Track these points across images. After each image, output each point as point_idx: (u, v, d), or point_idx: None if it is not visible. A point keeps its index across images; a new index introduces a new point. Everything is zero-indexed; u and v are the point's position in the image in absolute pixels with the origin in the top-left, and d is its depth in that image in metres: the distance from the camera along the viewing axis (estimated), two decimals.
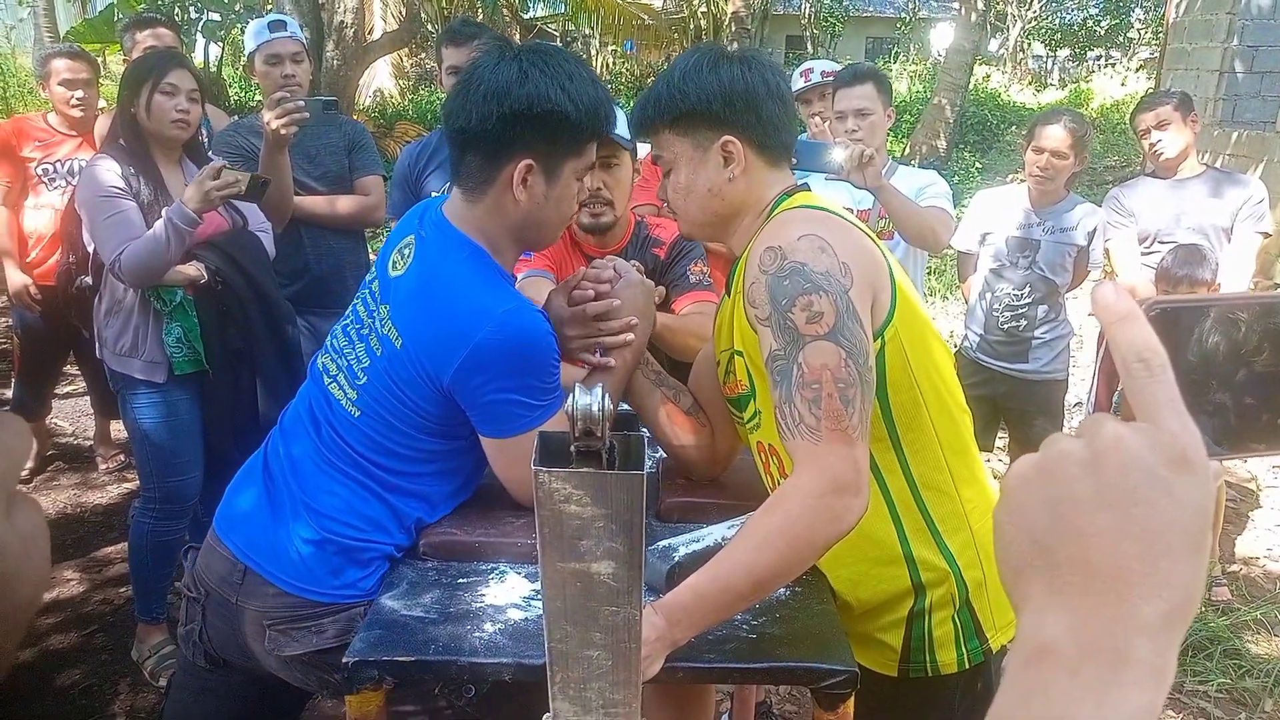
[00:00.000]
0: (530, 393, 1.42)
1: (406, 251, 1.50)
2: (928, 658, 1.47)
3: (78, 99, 3.38)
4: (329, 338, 1.61)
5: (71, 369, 4.28)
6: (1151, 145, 3.18)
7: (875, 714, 1.43)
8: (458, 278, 1.43)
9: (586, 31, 19.38)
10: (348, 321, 1.57)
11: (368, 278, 1.58)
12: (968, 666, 1.47)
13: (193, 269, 2.52)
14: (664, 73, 1.46)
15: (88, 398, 4.27)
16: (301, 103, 2.65)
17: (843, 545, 1.36)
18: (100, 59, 10.11)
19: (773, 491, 1.35)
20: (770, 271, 1.30)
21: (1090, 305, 0.49)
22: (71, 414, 4.69)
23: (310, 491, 1.51)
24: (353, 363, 1.51)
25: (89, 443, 4.32)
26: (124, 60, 3.54)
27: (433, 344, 1.40)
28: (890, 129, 3.18)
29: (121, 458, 4.10)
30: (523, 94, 1.39)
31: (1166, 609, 0.42)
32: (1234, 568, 3.50)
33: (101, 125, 3.38)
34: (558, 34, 19.72)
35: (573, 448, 1.06)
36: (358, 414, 1.49)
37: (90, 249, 2.59)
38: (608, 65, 19.45)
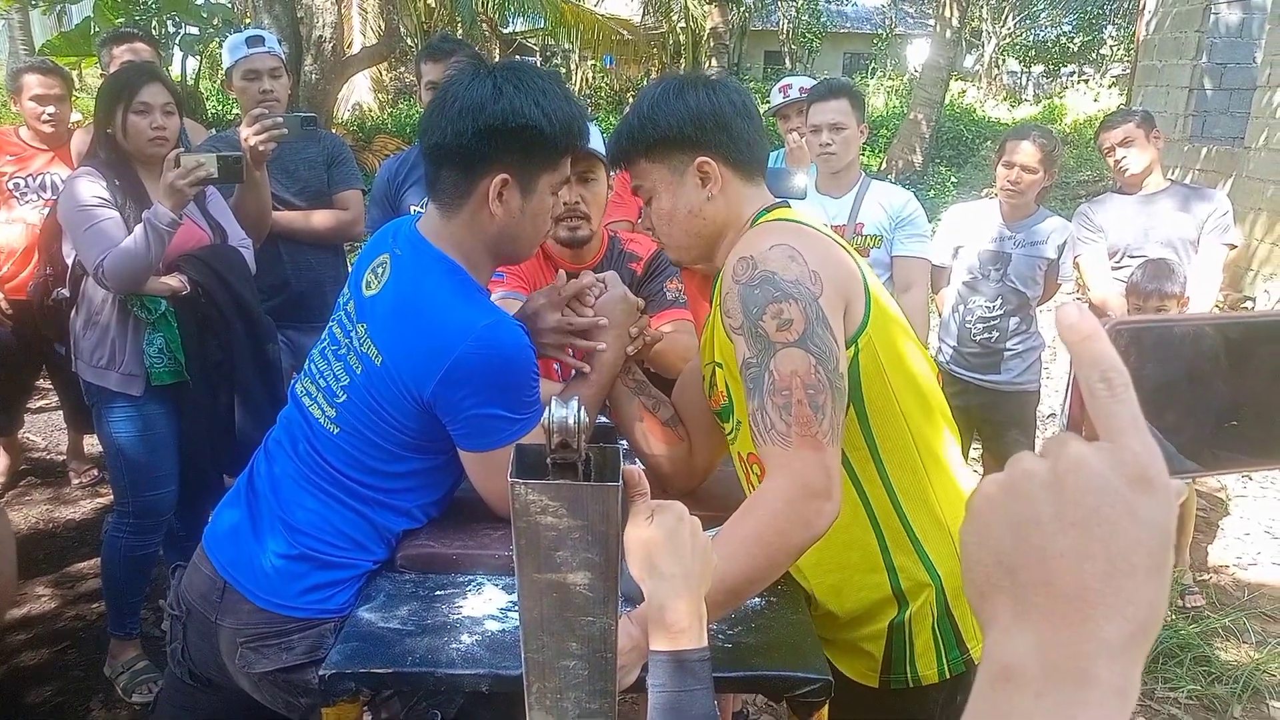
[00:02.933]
0: (510, 406, 1.43)
1: (381, 270, 1.51)
2: (909, 669, 1.47)
3: (49, 114, 3.35)
4: (307, 361, 1.61)
5: (44, 383, 4.24)
6: (1117, 163, 3.24)
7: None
8: (435, 293, 1.43)
9: (566, 46, 19.44)
10: (324, 344, 1.58)
11: (342, 298, 1.59)
12: (949, 677, 1.48)
13: (175, 280, 2.51)
14: (633, 105, 1.49)
15: (60, 412, 4.23)
16: (280, 119, 2.65)
17: (825, 552, 1.37)
18: (76, 73, 10.04)
19: None
20: (742, 281, 1.32)
21: (1055, 327, 0.50)
22: (44, 428, 4.64)
23: (288, 508, 1.51)
24: (331, 382, 1.51)
25: (62, 457, 4.28)
26: (101, 75, 3.53)
27: (413, 360, 1.41)
28: (867, 144, 3.27)
29: (94, 472, 4.06)
30: (497, 110, 1.40)
31: (1130, 629, 0.42)
32: (1205, 576, 3.55)
33: (78, 140, 3.36)
34: (537, 48, 19.78)
35: (549, 460, 1.07)
36: (336, 431, 1.49)
37: (70, 261, 2.58)
38: (587, 80, 19.52)
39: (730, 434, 1.54)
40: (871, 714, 1.50)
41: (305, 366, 1.61)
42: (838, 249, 1.41)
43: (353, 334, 1.50)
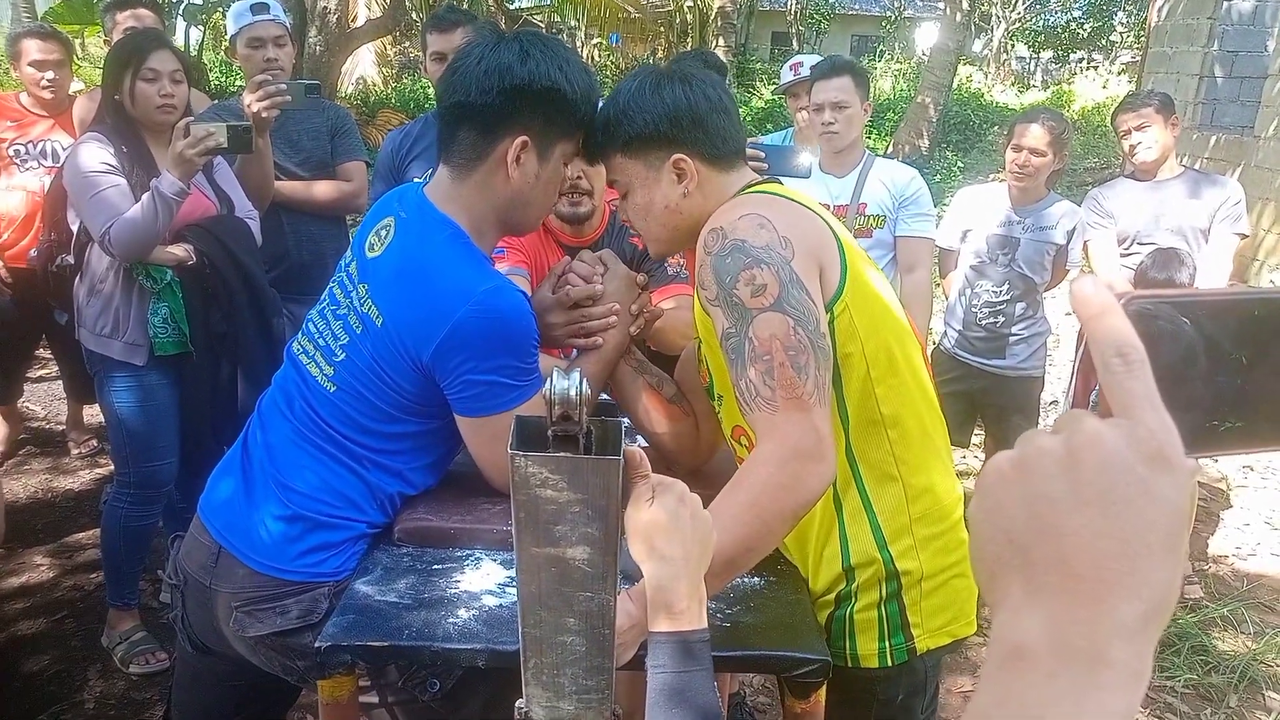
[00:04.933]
0: (509, 373, 1.42)
1: (384, 233, 1.50)
2: (847, 644, 1.44)
3: (49, 80, 3.30)
4: (305, 322, 1.60)
5: (44, 353, 4.22)
6: (1131, 147, 3.20)
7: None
8: (439, 256, 1.43)
9: (572, 24, 19.32)
10: (324, 304, 1.57)
11: (344, 260, 1.58)
12: (890, 664, 1.44)
13: (180, 250, 2.49)
14: (608, 100, 1.47)
15: (60, 381, 4.22)
16: (283, 85, 2.63)
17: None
18: (80, 41, 9.98)
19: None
20: (713, 252, 1.32)
21: (1069, 302, 0.48)
22: (44, 398, 4.64)
23: (284, 469, 1.51)
24: (329, 341, 1.51)
25: (61, 427, 4.27)
26: (105, 42, 3.48)
27: (413, 322, 1.40)
28: (874, 127, 3.25)
29: (94, 443, 4.06)
30: (524, 71, 1.41)
31: (1144, 609, 0.41)
32: (1204, 566, 3.54)
33: (81, 107, 3.32)
34: (543, 26, 19.64)
35: (550, 432, 1.06)
36: (333, 389, 1.49)
37: (74, 229, 2.56)
38: (592, 58, 19.40)
39: (717, 410, 1.52)
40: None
41: (304, 326, 1.60)
42: (810, 215, 1.39)
43: (354, 294, 1.49)
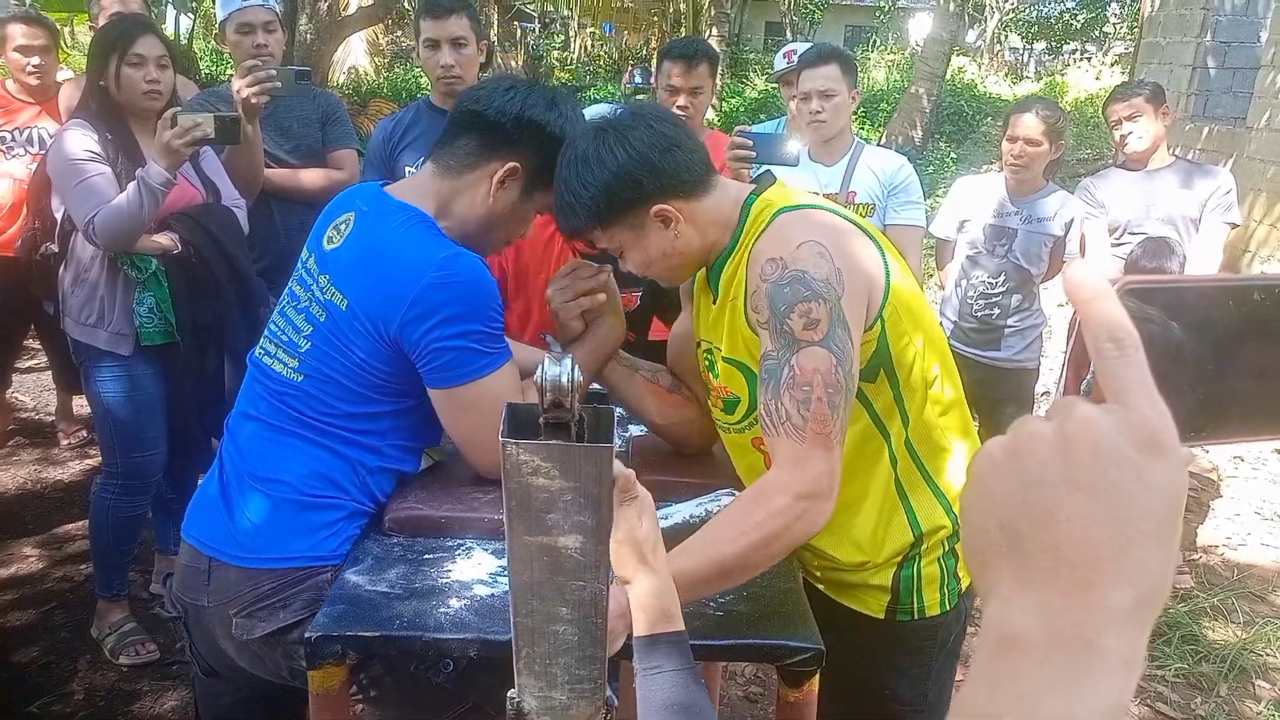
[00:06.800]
0: (475, 338, 1.43)
1: (344, 226, 1.52)
2: (915, 600, 1.51)
3: (34, 66, 3.26)
4: (267, 326, 1.61)
5: (33, 343, 4.19)
6: (1122, 137, 3.20)
7: (854, 655, 1.48)
8: (400, 235, 1.45)
9: (565, 13, 19.24)
10: (284, 304, 1.58)
11: (301, 258, 1.59)
12: (948, 608, 1.53)
13: (165, 239, 2.47)
14: (560, 183, 1.42)
15: (49, 372, 4.19)
16: (273, 71, 2.59)
17: (859, 507, 1.44)
18: (68, 29, 9.88)
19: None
20: (770, 280, 1.33)
21: (1061, 294, 0.47)
22: (33, 388, 4.61)
23: (258, 464, 1.50)
24: (292, 335, 1.52)
25: (50, 418, 4.25)
26: (90, 28, 3.45)
27: (378, 297, 1.42)
28: (867, 118, 3.23)
29: (84, 433, 4.03)
30: (545, 114, 1.50)
31: (1137, 597, 0.41)
32: (1194, 556, 3.55)
33: (67, 94, 3.29)
34: (536, 14, 19.57)
35: (541, 419, 1.04)
36: (300, 379, 1.49)
37: (59, 216, 2.53)
38: (586, 47, 19.34)
39: (739, 423, 1.52)
40: (874, 641, 1.54)
41: (265, 331, 1.60)
42: (854, 232, 1.41)
43: (314, 287, 1.50)
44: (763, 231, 1.40)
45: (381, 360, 1.44)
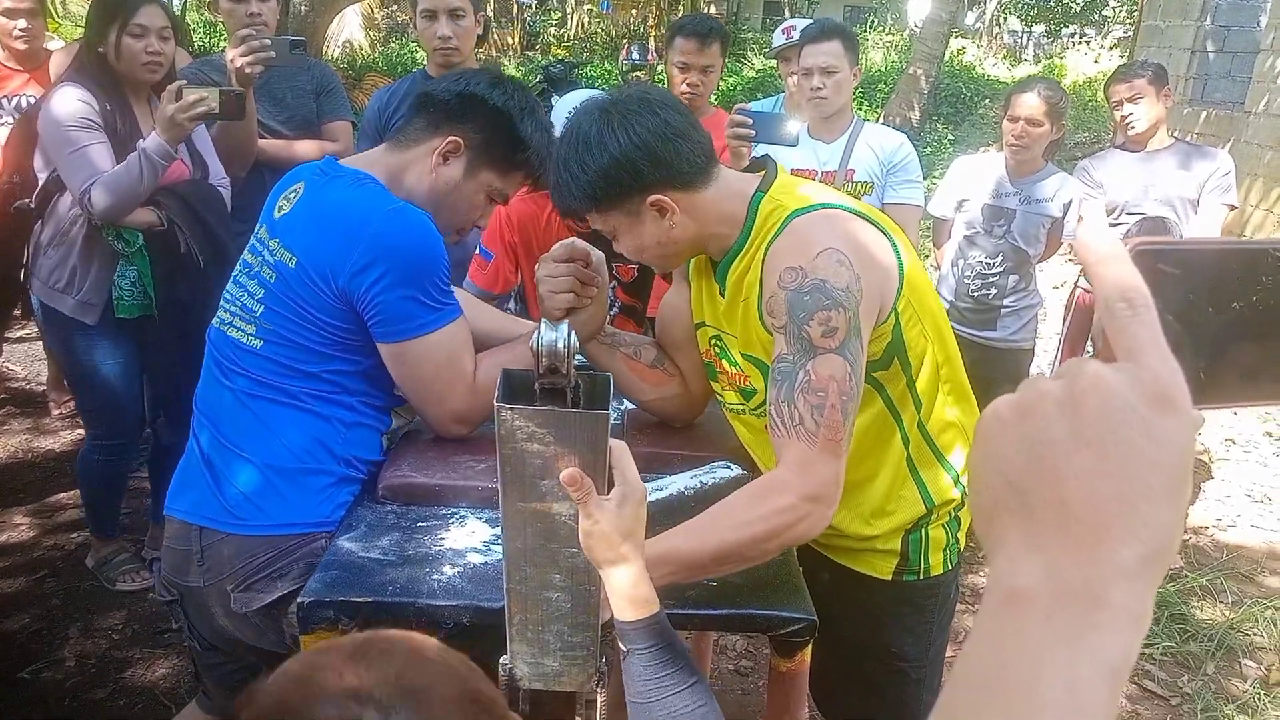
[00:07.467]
0: (423, 291, 1.45)
1: (294, 195, 1.53)
2: (922, 561, 1.56)
3: (21, 29, 3.20)
4: (221, 296, 1.60)
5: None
6: (1123, 118, 3.18)
7: (858, 616, 1.54)
8: (348, 194, 1.47)
9: None
10: (236, 273, 1.58)
11: (255, 231, 1.59)
12: (950, 567, 1.59)
13: (149, 214, 2.44)
14: (559, 160, 1.40)
15: (40, 342, 4.16)
16: (268, 41, 2.56)
17: (870, 484, 1.49)
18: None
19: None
20: (790, 288, 1.34)
21: (1057, 275, 0.47)
22: (24, 358, 4.58)
23: (237, 436, 1.50)
24: (245, 301, 1.52)
25: (42, 388, 4.23)
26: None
27: (326, 251, 1.43)
28: (865, 98, 3.20)
29: (74, 403, 4.01)
30: (487, 91, 1.53)
31: (1144, 552, 0.40)
32: (1184, 536, 3.58)
33: (58, 62, 3.24)
34: None
35: (537, 385, 1.04)
36: (260, 344, 1.49)
37: (42, 177, 2.50)
38: (583, 25, 19.17)
39: (759, 410, 1.52)
40: (880, 601, 1.58)
41: (219, 304, 1.60)
42: (872, 232, 1.41)
43: (264, 252, 1.51)
44: (777, 235, 1.39)
45: (335, 316, 1.45)
